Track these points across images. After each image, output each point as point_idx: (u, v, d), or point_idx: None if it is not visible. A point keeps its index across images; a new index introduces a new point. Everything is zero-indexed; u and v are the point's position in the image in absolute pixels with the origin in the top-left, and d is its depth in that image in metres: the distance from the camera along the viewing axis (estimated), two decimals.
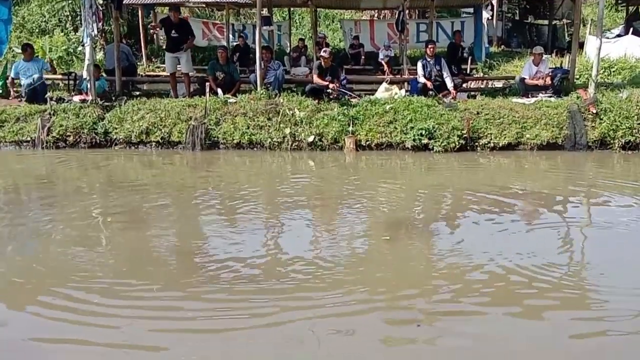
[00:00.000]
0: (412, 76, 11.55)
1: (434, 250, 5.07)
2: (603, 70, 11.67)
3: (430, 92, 10.16)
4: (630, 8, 19.76)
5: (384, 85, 10.93)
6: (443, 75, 10.43)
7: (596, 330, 3.69)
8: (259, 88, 10.21)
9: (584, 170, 8.43)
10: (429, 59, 10.54)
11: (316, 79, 10.16)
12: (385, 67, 15.13)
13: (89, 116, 9.67)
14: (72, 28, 19.16)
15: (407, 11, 14.21)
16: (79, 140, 9.60)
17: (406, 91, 10.95)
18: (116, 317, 3.72)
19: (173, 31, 10.62)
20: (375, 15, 21.97)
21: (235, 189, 7.36)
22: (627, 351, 3.42)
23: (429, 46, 10.74)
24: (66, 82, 11.73)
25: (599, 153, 9.06)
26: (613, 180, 7.88)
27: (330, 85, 10.00)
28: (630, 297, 4.04)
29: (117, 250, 5.05)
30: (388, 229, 5.55)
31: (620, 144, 9.04)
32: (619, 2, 20.71)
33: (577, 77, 11.24)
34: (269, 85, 10.34)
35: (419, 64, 10.60)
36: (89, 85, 10.24)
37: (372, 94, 10.66)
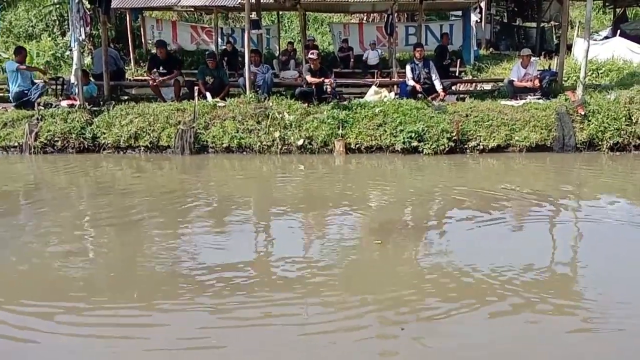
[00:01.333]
0: (401, 79, 11.57)
1: (425, 253, 5.05)
2: (591, 72, 11.75)
3: (420, 95, 10.17)
4: (618, 10, 19.97)
5: (374, 88, 10.92)
6: (432, 77, 10.44)
7: (585, 331, 3.68)
8: (247, 92, 10.18)
9: (572, 172, 8.46)
10: (417, 62, 10.55)
11: (310, 78, 10.15)
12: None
13: (77, 121, 9.58)
14: (59, 32, 19.10)
15: (396, 14, 14.25)
16: (67, 145, 9.52)
17: (395, 94, 10.96)
18: (92, 336, 3.63)
19: (161, 67, 10.95)
20: (364, 18, 22.01)
21: (224, 193, 7.32)
22: (617, 351, 3.43)
23: (417, 49, 10.76)
24: (54, 87, 11.64)
25: (587, 154, 9.10)
26: (601, 181, 7.93)
27: (327, 80, 10.00)
28: (621, 294, 4.06)
29: (101, 259, 4.98)
30: (379, 232, 5.53)
31: (608, 145, 9.10)
32: (607, 4, 20.90)
33: (566, 79, 11.32)
34: (257, 89, 10.32)
35: (408, 67, 10.61)
36: (76, 90, 10.17)
37: (362, 97, 10.66)
